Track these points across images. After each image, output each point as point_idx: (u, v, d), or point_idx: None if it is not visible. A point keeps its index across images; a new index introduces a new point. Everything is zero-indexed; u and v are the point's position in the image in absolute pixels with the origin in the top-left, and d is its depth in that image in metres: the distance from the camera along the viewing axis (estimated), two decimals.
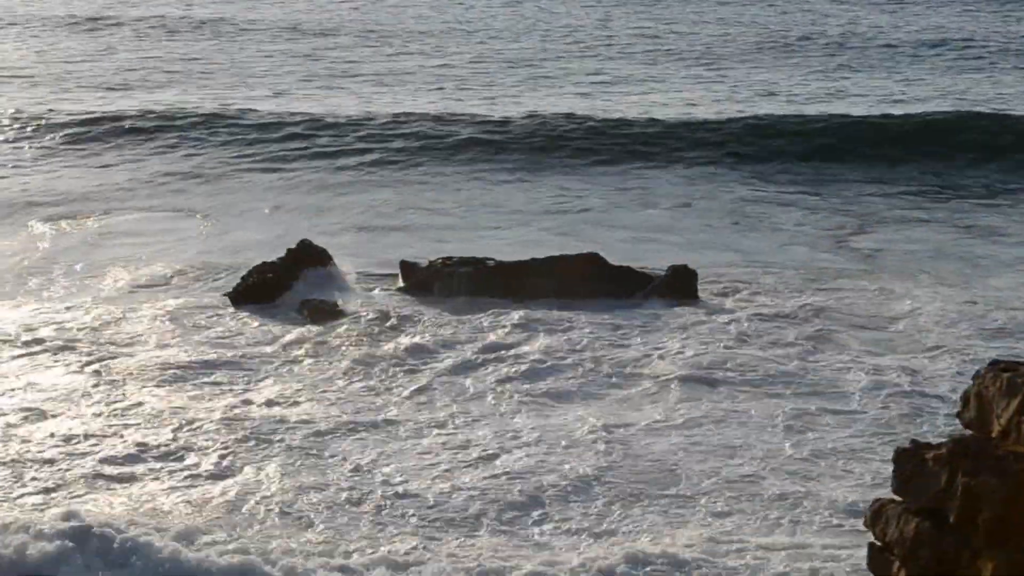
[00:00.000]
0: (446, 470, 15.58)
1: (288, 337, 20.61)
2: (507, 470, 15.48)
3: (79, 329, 20.90)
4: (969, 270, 24.78)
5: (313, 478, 15.36)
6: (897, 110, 36.37)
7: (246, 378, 18.84)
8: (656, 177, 31.82)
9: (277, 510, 14.50)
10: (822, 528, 14.08)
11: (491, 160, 33.00)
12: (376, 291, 23.22)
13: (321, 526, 14.17)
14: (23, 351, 19.92)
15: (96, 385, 18.46)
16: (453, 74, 43.26)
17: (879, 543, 10.08)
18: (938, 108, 36.01)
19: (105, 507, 14.49)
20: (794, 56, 47.65)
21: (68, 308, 22.10)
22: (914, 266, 24.95)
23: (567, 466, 15.60)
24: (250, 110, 37.12)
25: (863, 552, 10.48)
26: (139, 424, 16.99)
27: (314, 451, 16.22)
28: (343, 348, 20.12)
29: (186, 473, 15.56)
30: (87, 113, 37.05)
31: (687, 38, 51.67)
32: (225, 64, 45.81)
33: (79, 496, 14.81)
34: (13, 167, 33.17)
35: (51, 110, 37.61)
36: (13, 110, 37.61)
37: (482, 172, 32.34)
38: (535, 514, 14.46)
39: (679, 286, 22.78)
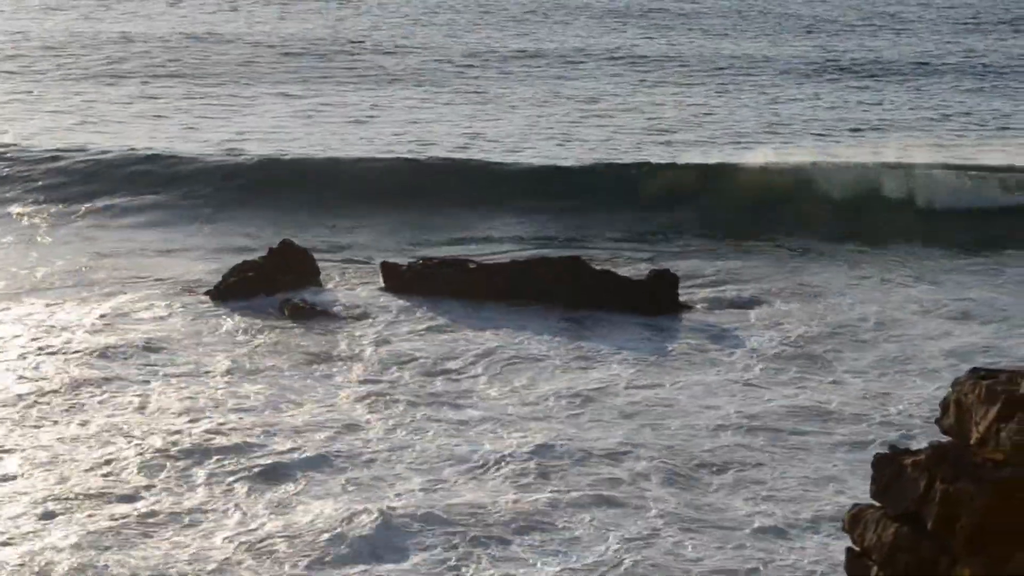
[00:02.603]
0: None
1: (260, 336, 20.70)
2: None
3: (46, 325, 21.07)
4: None
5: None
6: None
7: (205, 372, 19.03)
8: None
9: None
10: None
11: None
12: (356, 291, 23.16)
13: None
14: None
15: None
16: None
17: (857, 548, 10.10)
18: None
19: None
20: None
21: (50, 303, 22.11)
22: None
23: None
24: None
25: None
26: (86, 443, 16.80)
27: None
28: (305, 347, 20.20)
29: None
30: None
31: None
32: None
33: None
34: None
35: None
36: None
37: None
38: None
39: (659, 292, 22.80)
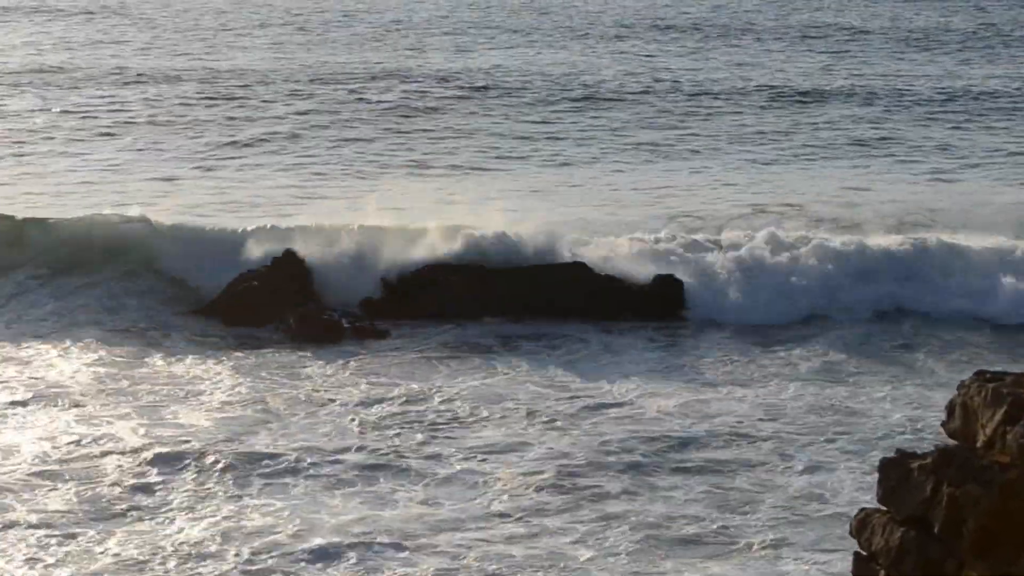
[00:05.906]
0: None
1: (262, 356, 20.62)
2: None
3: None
4: None
5: None
6: None
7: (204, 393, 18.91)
8: None
9: None
10: None
11: None
12: (359, 300, 23.01)
13: None
14: None
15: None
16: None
17: (864, 552, 10.08)
18: None
19: None
20: None
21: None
22: None
23: None
24: None
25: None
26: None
27: None
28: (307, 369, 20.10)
29: None
30: None
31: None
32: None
33: None
34: None
35: None
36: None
37: None
38: None
39: (665, 298, 22.83)
